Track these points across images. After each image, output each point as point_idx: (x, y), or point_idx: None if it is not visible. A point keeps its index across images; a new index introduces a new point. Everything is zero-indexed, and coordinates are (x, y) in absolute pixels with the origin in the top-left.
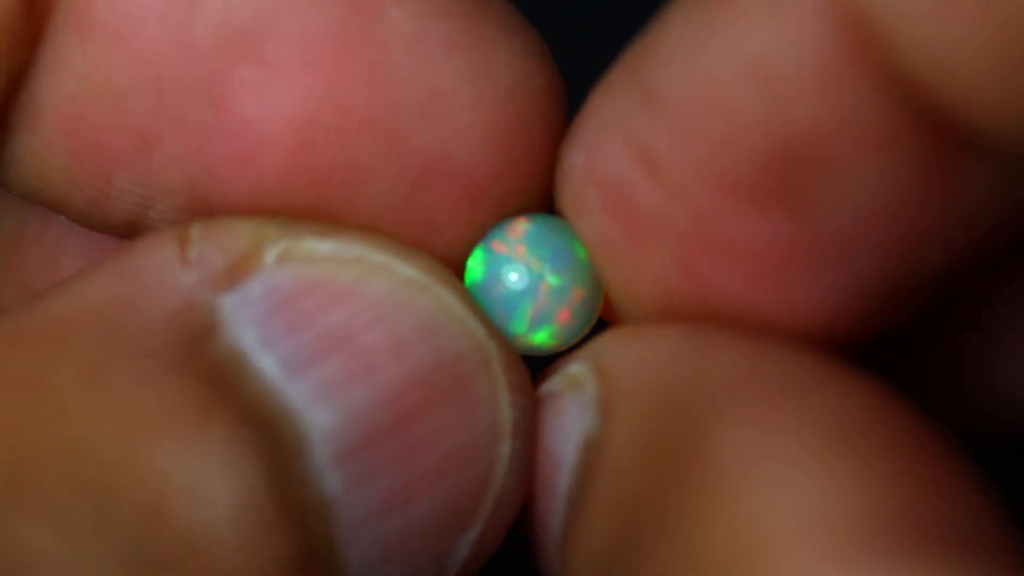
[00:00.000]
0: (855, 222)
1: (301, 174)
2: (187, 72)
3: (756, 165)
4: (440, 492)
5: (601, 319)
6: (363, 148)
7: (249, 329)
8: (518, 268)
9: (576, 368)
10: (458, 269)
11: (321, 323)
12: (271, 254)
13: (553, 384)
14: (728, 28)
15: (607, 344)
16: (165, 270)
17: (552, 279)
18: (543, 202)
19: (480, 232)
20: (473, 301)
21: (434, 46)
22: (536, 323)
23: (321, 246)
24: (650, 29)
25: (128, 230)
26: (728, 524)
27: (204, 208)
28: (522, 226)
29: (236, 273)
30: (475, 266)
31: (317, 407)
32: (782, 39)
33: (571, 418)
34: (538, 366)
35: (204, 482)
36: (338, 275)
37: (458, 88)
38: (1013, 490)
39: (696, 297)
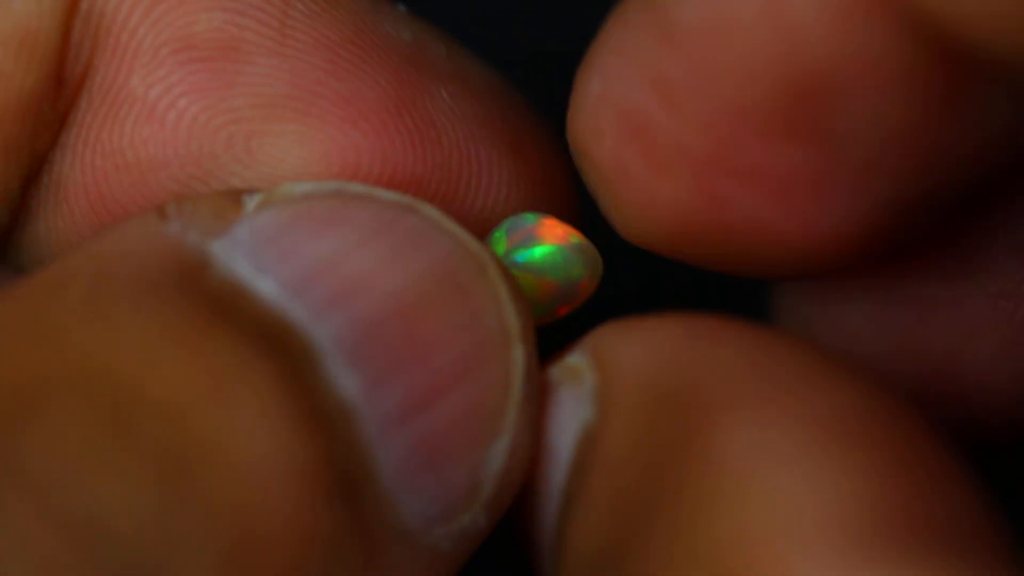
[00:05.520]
0: (871, 148)
1: None
2: (223, 137)
3: (772, 97)
4: (460, 395)
5: (598, 314)
6: None
7: (242, 261)
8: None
9: (574, 359)
10: None
11: (313, 249)
12: (251, 203)
13: (550, 374)
14: None
15: (606, 335)
16: (148, 228)
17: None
18: None
19: None
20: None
21: (475, 125)
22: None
23: (298, 187)
24: None
25: None
26: (729, 520)
27: None
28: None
29: (220, 222)
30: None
31: (322, 318)
32: None
33: (568, 410)
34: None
35: (224, 385)
36: (321, 206)
37: (500, 164)
38: (1009, 489)
39: (712, 219)
